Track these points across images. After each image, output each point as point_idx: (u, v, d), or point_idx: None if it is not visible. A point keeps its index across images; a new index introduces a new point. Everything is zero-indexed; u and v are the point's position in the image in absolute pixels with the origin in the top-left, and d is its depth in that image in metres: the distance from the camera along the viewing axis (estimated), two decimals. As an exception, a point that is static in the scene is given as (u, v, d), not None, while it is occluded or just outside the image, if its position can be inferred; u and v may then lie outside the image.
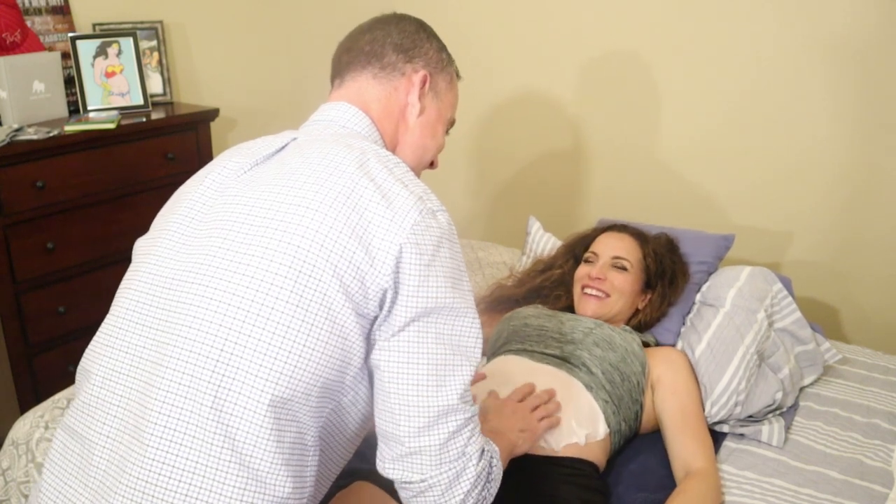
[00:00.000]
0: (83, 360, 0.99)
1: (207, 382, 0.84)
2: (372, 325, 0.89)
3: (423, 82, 1.09)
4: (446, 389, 0.89)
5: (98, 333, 0.98)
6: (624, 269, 1.59)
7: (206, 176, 1.02)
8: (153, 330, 0.91)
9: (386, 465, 0.92)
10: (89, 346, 0.99)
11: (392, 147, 1.09)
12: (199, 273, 0.89)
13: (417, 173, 1.12)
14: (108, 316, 0.98)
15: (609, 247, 1.63)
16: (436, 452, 0.89)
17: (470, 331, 0.92)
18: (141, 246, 1.02)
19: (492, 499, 0.96)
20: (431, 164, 1.17)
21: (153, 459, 0.84)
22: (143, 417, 0.86)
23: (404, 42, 1.09)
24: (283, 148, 1.01)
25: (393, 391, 0.89)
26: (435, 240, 0.89)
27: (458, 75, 1.18)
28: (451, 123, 1.17)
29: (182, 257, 0.93)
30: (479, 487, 0.93)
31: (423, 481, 0.90)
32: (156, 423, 0.85)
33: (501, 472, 0.98)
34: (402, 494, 0.93)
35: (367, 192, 0.89)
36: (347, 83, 1.10)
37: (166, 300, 0.91)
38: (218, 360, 0.85)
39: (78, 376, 1.01)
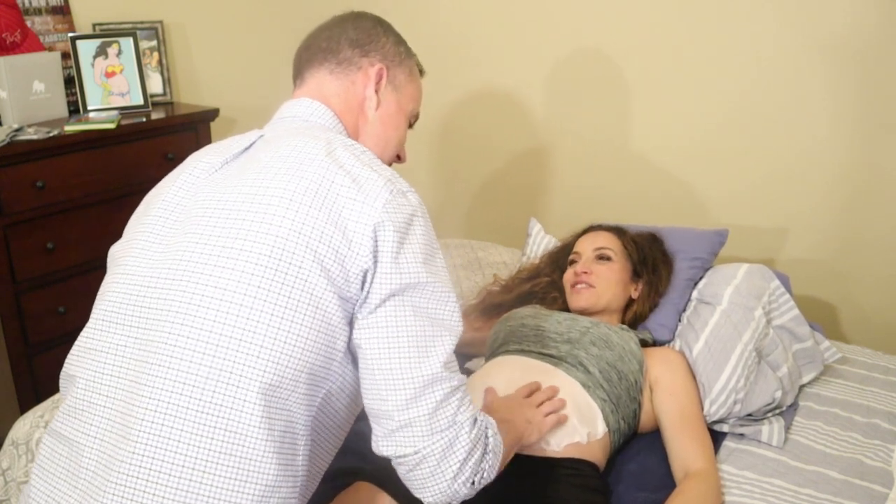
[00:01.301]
0: (66, 365, 0.99)
1: (195, 376, 0.85)
2: (354, 306, 0.91)
3: (380, 76, 1.11)
4: (429, 360, 0.90)
5: (80, 338, 0.98)
6: (608, 258, 1.63)
7: (177, 177, 1.03)
8: (136, 329, 0.91)
9: (379, 443, 0.93)
10: (71, 352, 0.99)
11: (354, 139, 1.10)
12: (179, 269, 0.90)
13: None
14: (89, 321, 0.99)
15: (590, 242, 1.68)
16: (426, 423, 0.89)
17: (447, 304, 0.93)
18: (116, 251, 1.03)
19: (493, 473, 0.96)
20: (399, 158, 1.18)
21: (143, 455, 0.84)
22: (130, 415, 0.87)
23: (360, 37, 1.12)
24: (250, 145, 1.03)
25: (377, 367, 0.90)
26: (406, 217, 0.92)
27: (420, 70, 1.19)
28: (415, 117, 1.19)
29: (160, 256, 0.94)
30: (476, 458, 0.92)
31: (416, 453, 0.90)
32: (143, 420, 0.85)
33: (501, 447, 0.98)
34: (399, 471, 0.94)
35: (338, 178, 0.91)
36: (307, 80, 1.12)
37: (147, 299, 0.92)
38: (205, 353, 0.86)
39: (62, 382, 1.01)
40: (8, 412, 2.06)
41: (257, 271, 0.87)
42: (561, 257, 1.77)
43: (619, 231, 1.72)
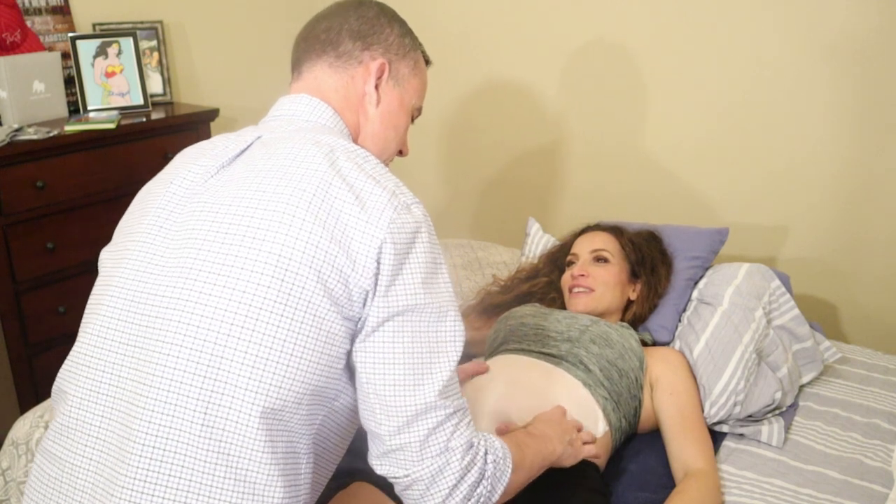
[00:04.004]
0: (58, 380, 0.96)
1: (196, 400, 0.83)
2: (357, 324, 0.89)
3: (381, 71, 1.05)
4: (424, 388, 0.88)
5: (72, 353, 0.95)
6: (605, 260, 1.61)
7: (170, 182, 0.97)
8: (132, 348, 0.88)
9: (373, 461, 0.93)
10: (64, 367, 0.96)
11: (355, 137, 1.06)
12: (177, 287, 0.87)
13: (385, 163, 1.10)
14: (81, 334, 0.95)
15: (586, 244, 1.66)
16: (416, 449, 0.88)
17: (446, 325, 0.91)
18: (108, 259, 0.99)
19: (494, 497, 0.94)
20: (401, 153, 1.14)
21: (144, 481, 0.82)
22: (127, 438, 0.85)
23: (362, 28, 1.05)
24: (247, 147, 0.98)
25: (371, 391, 0.88)
26: (409, 236, 0.88)
27: (427, 60, 1.14)
28: (418, 111, 1.13)
29: (156, 271, 0.90)
30: (469, 483, 0.90)
31: (406, 476, 0.89)
32: (143, 444, 0.83)
33: (507, 470, 0.95)
34: (396, 488, 0.94)
35: (341, 194, 0.87)
36: (305, 74, 1.07)
37: (144, 316, 0.89)
38: (205, 377, 0.83)
39: (54, 397, 0.98)
40: (8, 412, 2.06)
41: (259, 292, 0.84)
42: (559, 257, 1.76)
43: (616, 231, 1.70)
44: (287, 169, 0.90)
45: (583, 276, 1.59)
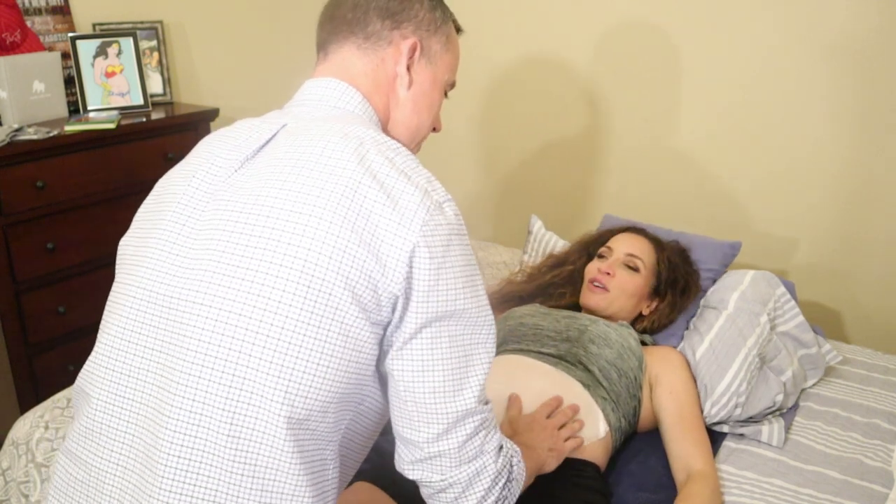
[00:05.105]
0: (80, 380, 0.95)
1: (221, 410, 0.81)
2: (385, 330, 0.86)
3: (413, 50, 1.00)
4: (464, 393, 0.86)
5: (94, 353, 0.93)
6: (635, 269, 1.60)
7: (192, 175, 0.94)
8: (157, 353, 0.86)
9: (405, 467, 0.90)
10: (86, 367, 0.94)
11: (384, 122, 1.02)
12: (201, 292, 0.84)
13: (416, 147, 1.07)
14: (102, 334, 0.93)
15: (625, 244, 1.64)
16: (455, 454, 0.87)
17: (483, 328, 0.89)
18: (128, 253, 0.96)
19: (514, 499, 0.94)
20: (434, 129, 1.10)
21: (169, 492, 0.81)
22: (154, 446, 0.83)
23: (390, 5, 0.99)
24: (272, 137, 0.94)
25: (409, 399, 0.86)
26: (445, 238, 0.84)
27: (458, 29, 1.08)
28: (451, 85, 1.08)
29: (180, 272, 0.87)
30: (500, 485, 0.91)
31: (442, 480, 0.88)
32: (169, 454, 0.81)
33: (523, 474, 0.96)
34: (423, 491, 0.92)
35: (371, 193, 0.83)
36: (331, 56, 1.01)
37: (169, 321, 0.86)
38: (231, 387, 0.81)
39: (75, 397, 0.97)
40: (8, 412, 2.06)
41: (285, 299, 0.81)
42: (593, 245, 1.74)
43: (658, 245, 1.67)
44: (314, 166, 0.86)
45: (608, 273, 1.58)
